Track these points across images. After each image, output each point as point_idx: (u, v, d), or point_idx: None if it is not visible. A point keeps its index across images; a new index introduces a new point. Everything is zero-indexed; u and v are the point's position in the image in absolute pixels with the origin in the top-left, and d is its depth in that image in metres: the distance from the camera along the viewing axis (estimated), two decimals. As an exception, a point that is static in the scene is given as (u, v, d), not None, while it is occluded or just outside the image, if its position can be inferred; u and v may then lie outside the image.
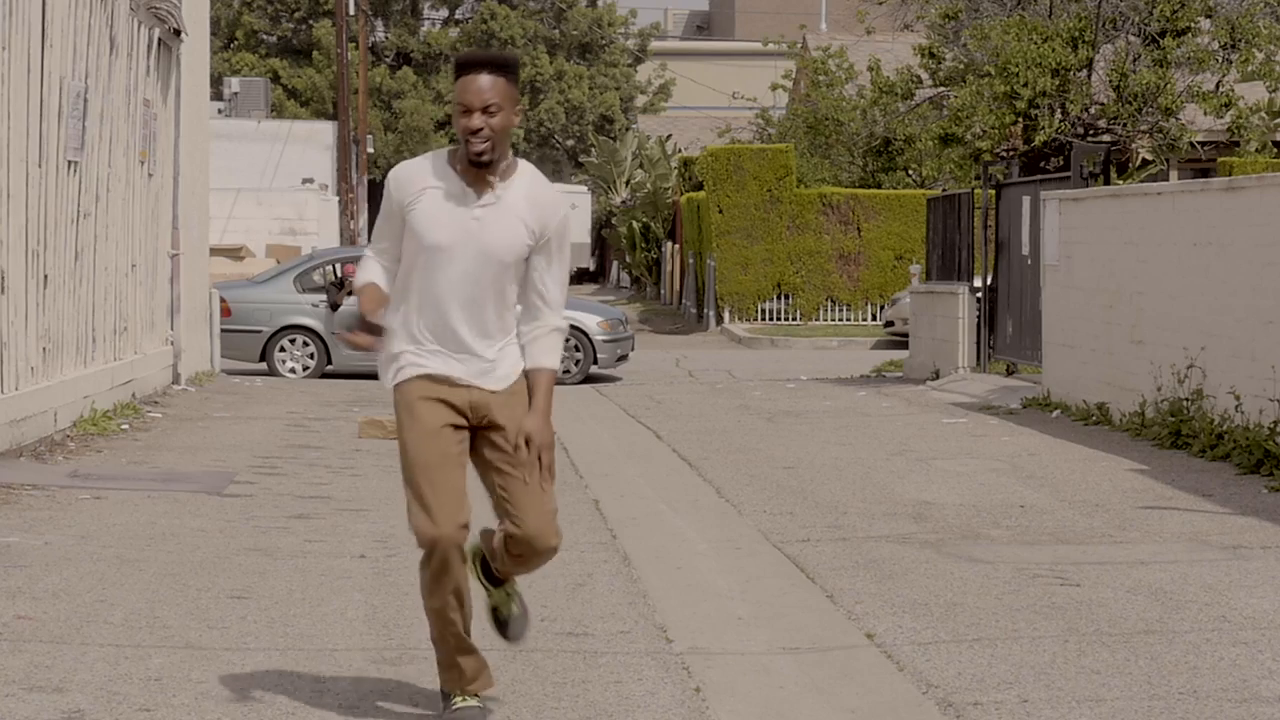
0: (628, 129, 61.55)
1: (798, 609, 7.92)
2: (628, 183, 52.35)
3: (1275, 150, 24.83)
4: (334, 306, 23.12)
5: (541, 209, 5.75)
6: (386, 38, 66.33)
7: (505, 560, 5.92)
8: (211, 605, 7.75)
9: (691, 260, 40.59)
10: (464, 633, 5.86)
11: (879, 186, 37.22)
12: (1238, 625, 7.46)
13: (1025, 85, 20.45)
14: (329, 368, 23.20)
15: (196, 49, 20.61)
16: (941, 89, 24.07)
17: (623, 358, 24.01)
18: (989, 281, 21.01)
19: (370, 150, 48.55)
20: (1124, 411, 15.33)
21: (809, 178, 38.50)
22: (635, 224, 48.86)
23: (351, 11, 43.60)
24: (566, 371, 22.92)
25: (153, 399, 17.34)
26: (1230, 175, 21.74)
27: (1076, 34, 20.77)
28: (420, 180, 5.73)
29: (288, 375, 22.90)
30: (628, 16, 68.78)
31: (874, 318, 35.93)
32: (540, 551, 5.82)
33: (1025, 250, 19.89)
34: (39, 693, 6.22)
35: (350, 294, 23.17)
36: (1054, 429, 15.42)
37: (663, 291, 47.28)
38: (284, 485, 11.72)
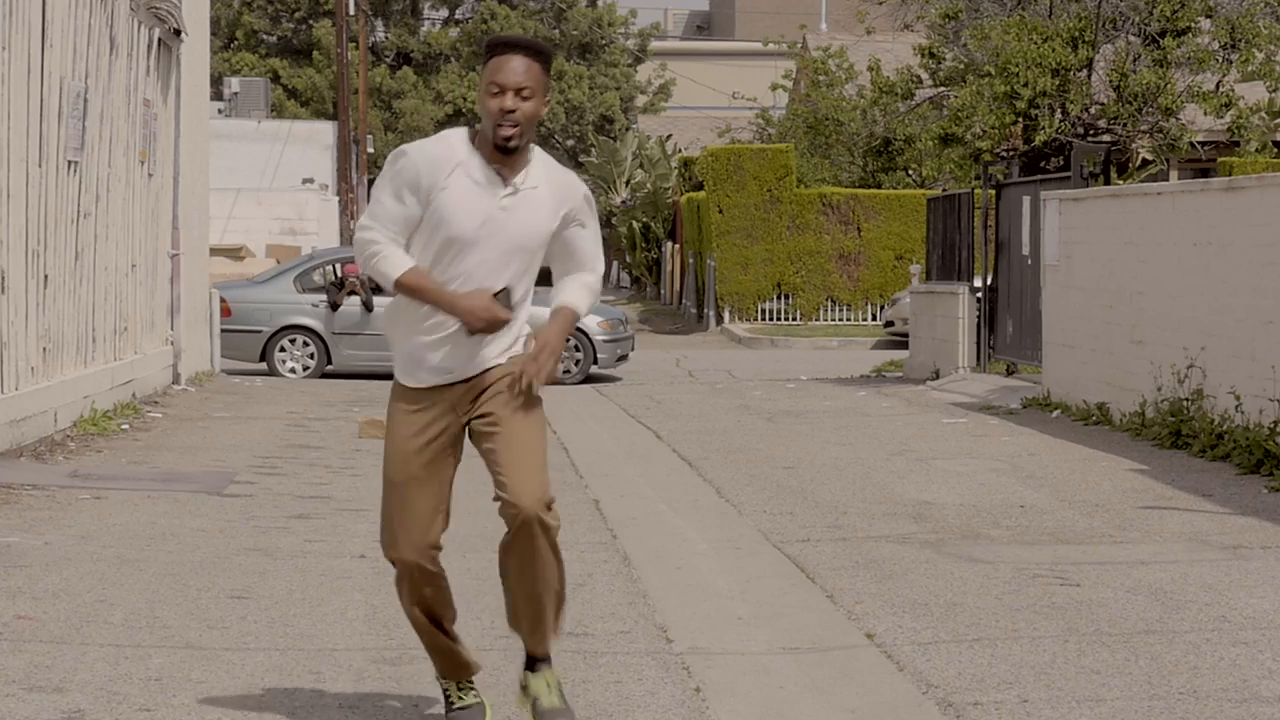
0: (628, 129, 61.55)
1: (798, 609, 7.92)
2: (628, 183, 52.34)
3: (1275, 150, 24.83)
4: (334, 306, 23.13)
5: (564, 190, 5.60)
6: (386, 38, 66.34)
7: (505, 564, 5.61)
8: (211, 605, 7.75)
9: (691, 260, 40.60)
10: (442, 633, 5.78)
11: (879, 186, 37.24)
12: (1238, 625, 7.46)
13: (1025, 85, 20.45)
14: (329, 368, 23.21)
15: (196, 49, 20.62)
16: (941, 89, 24.07)
17: (623, 358, 24.01)
18: (989, 281, 21.01)
19: (370, 150, 48.54)
20: (1124, 411, 15.33)
21: (809, 178, 38.51)
22: (635, 224, 48.87)
23: (351, 11, 43.61)
24: (566, 372, 22.93)
25: (153, 399, 17.34)
26: (1230, 175, 21.75)
27: (1077, 34, 20.77)
28: (449, 163, 5.47)
29: (288, 375, 22.90)
30: (628, 16, 68.78)
31: (874, 318, 35.94)
32: (529, 519, 5.43)
33: (1025, 250, 19.89)
34: (39, 693, 6.22)
35: (351, 294, 23.18)
36: (1054, 429, 15.42)
37: (663, 291, 47.29)
38: (284, 485, 11.72)
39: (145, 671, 6.55)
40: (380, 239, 5.51)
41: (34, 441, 13.10)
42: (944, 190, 24.87)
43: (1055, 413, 16.62)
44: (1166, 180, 24.78)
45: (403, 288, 5.50)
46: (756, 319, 36.32)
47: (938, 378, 21.16)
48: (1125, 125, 21.02)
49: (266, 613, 7.61)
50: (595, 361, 23.36)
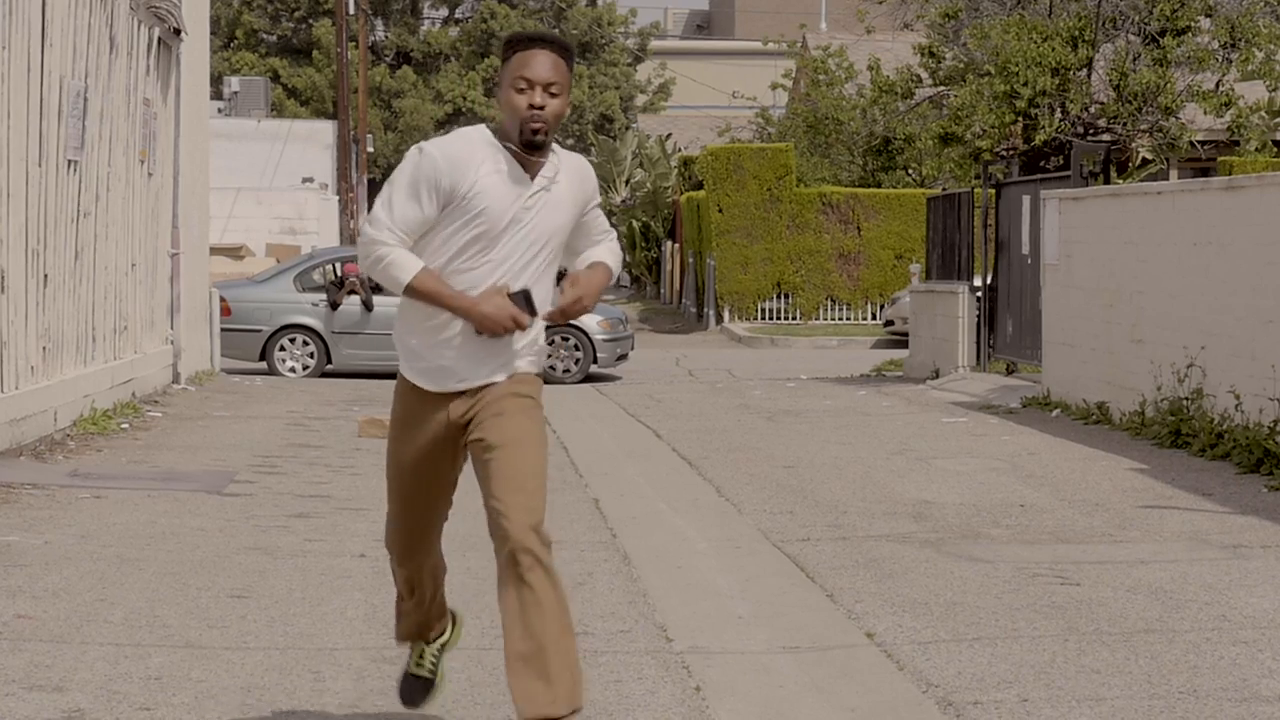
0: (627, 128, 61.57)
1: (798, 608, 7.92)
2: (627, 182, 52.33)
3: (1275, 149, 24.83)
4: (334, 306, 23.13)
5: (583, 183, 5.47)
6: (386, 37, 66.33)
7: (500, 583, 5.21)
8: (211, 604, 7.75)
9: (691, 259, 40.59)
10: (426, 602, 5.73)
11: (879, 186, 37.24)
12: (1238, 624, 7.46)
13: (1025, 84, 20.45)
14: (329, 367, 23.21)
15: (196, 48, 20.62)
16: (941, 88, 24.08)
17: (622, 357, 24.00)
18: (989, 281, 21.01)
19: (370, 149, 48.56)
20: (1124, 411, 15.33)
21: (809, 177, 38.51)
22: (635, 223, 48.86)
23: (351, 11, 43.61)
24: (566, 370, 22.94)
25: (153, 398, 17.34)
26: (1230, 174, 21.76)
27: (1076, 33, 20.77)
28: (477, 162, 5.27)
29: (288, 374, 22.90)
30: (628, 16, 68.76)
31: (874, 317, 35.94)
32: (517, 548, 5.08)
33: (1025, 249, 19.89)
34: (39, 691, 6.22)
35: (351, 293, 23.19)
36: (1054, 428, 15.42)
37: (662, 291, 47.28)
38: (284, 484, 11.72)
39: (145, 670, 6.55)
40: (389, 241, 5.26)
41: (34, 441, 13.10)
42: (944, 189, 24.87)
43: (1055, 412, 16.62)
44: (1166, 179, 24.79)
45: (415, 293, 5.25)
46: (756, 318, 36.32)
47: (937, 377, 21.16)
48: (1125, 124, 21.03)
49: (266, 612, 7.61)
50: (595, 360, 23.36)
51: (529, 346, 5.41)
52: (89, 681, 6.38)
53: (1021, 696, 6.30)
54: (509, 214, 5.28)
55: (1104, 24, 21.16)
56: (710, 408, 17.92)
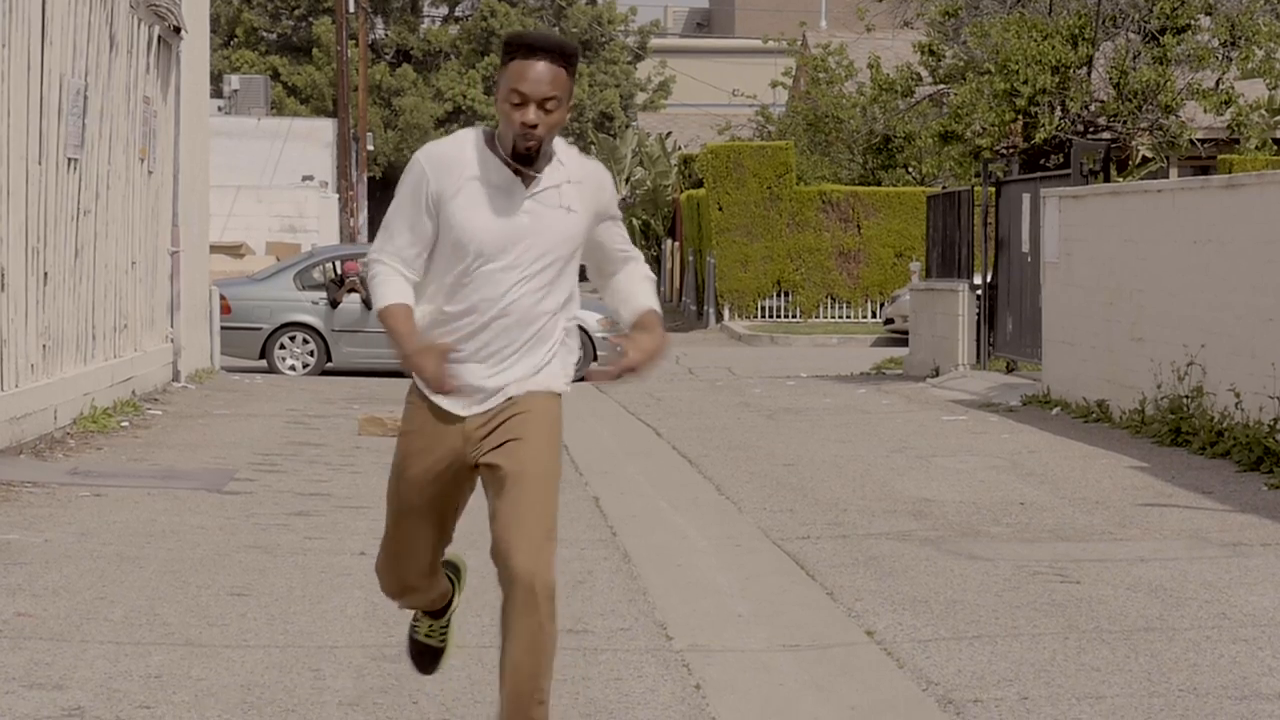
0: (627, 126, 61.60)
1: (798, 606, 7.92)
2: (627, 180, 52.35)
3: (1275, 148, 24.83)
4: (334, 304, 23.13)
5: (594, 185, 5.11)
6: (386, 35, 66.34)
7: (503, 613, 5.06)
8: (212, 602, 7.75)
9: (691, 258, 40.60)
10: (434, 604, 5.50)
11: (879, 184, 37.24)
12: (1238, 622, 7.46)
13: (1025, 83, 20.45)
14: (329, 365, 23.20)
15: (196, 46, 20.61)
16: (941, 86, 24.08)
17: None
18: (989, 279, 21.01)
19: (370, 147, 48.57)
20: (1124, 409, 15.33)
21: (809, 175, 38.51)
22: (635, 221, 48.88)
23: (351, 9, 43.60)
24: (566, 369, 22.94)
25: (153, 396, 17.34)
26: (1230, 173, 21.75)
27: (1076, 31, 20.77)
28: (462, 167, 4.99)
29: (288, 373, 22.90)
30: (628, 14, 68.79)
31: (874, 315, 35.94)
32: (521, 583, 4.93)
33: (1025, 248, 19.89)
34: (39, 690, 6.22)
35: (351, 291, 23.18)
36: (1054, 426, 15.42)
37: (663, 289, 47.30)
38: (284, 482, 11.72)
39: (145, 668, 6.55)
40: (385, 260, 5.05)
41: (34, 439, 13.10)
42: (944, 188, 24.88)
43: (1055, 410, 16.62)
44: (1166, 178, 24.78)
45: (382, 321, 5.02)
46: (756, 316, 36.33)
47: (938, 375, 21.16)
48: (1125, 123, 21.03)
49: (266, 610, 7.61)
50: (595, 358, 23.37)
51: (550, 363, 5.17)
52: (89, 679, 6.38)
53: (1021, 694, 6.30)
54: (500, 225, 4.98)
55: (1104, 22, 21.17)
56: (710, 406, 17.92)
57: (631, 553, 9.19)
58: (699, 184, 39.93)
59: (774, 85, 41.31)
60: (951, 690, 6.38)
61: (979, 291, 21.03)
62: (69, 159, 14.38)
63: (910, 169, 35.85)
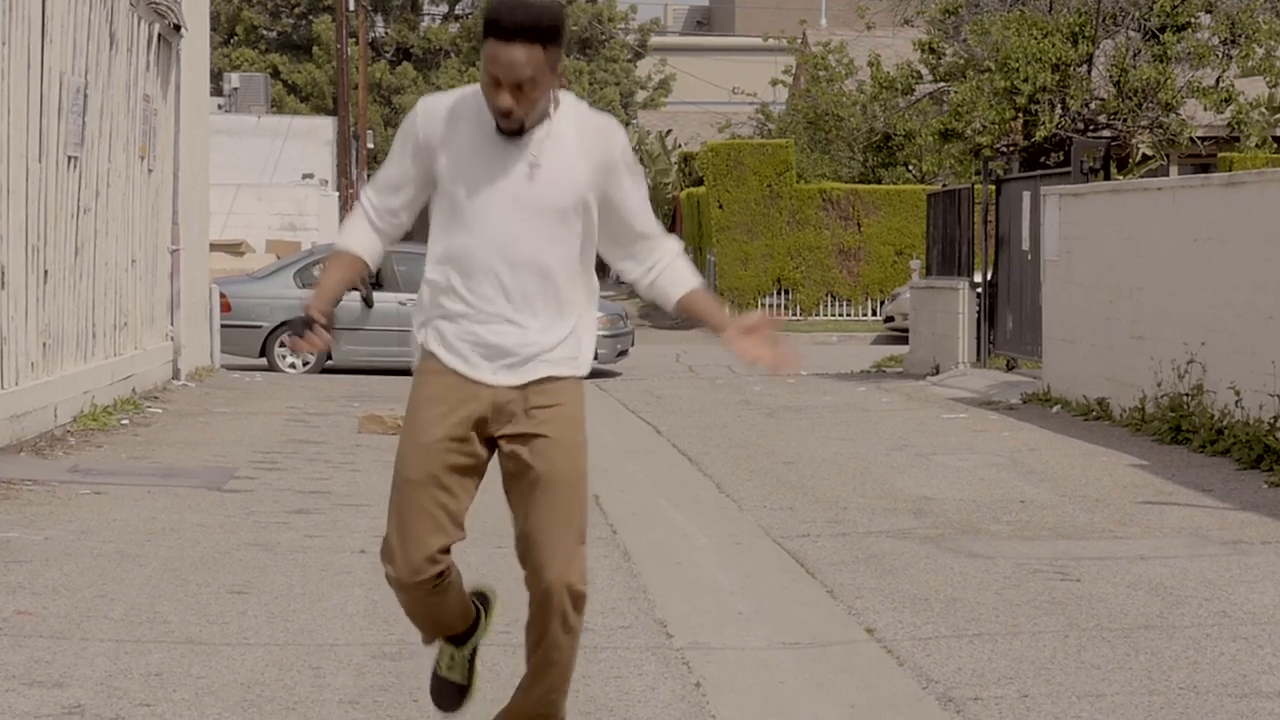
0: (627, 124, 61.55)
1: (798, 604, 7.92)
2: (627, 178, 52.31)
3: (1275, 145, 24.84)
4: (334, 302, 23.12)
5: (596, 135, 4.89)
6: (386, 33, 66.33)
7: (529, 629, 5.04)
8: (212, 600, 7.75)
9: (692, 255, 40.63)
10: (454, 623, 5.26)
11: (879, 182, 37.25)
12: (1238, 620, 7.46)
13: (1025, 80, 20.46)
14: (329, 363, 23.20)
15: (196, 44, 20.61)
16: (942, 84, 24.09)
17: (623, 353, 23.99)
18: (989, 277, 21.02)
19: (370, 145, 48.54)
20: (1124, 407, 15.33)
21: (809, 173, 38.53)
22: (635, 220, 48.88)
23: (351, 7, 43.61)
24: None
25: (153, 394, 17.34)
26: (1230, 170, 21.76)
27: (1077, 29, 20.78)
28: (455, 116, 4.87)
29: (288, 370, 22.90)
30: (628, 12, 68.75)
31: (874, 313, 35.96)
32: (555, 607, 4.90)
33: (1025, 246, 19.89)
34: (39, 688, 6.22)
35: (351, 289, 23.18)
36: (1054, 424, 15.42)
37: (663, 287, 47.27)
38: (284, 480, 11.72)
39: (145, 666, 6.55)
40: (362, 203, 5.07)
41: (34, 437, 13.10)
42: (944, 186, 24.88)
43: (1055, 408, 16.62)
44: (1166, 176, 24.78)
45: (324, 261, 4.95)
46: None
47: (938, 373, 21.17)
48: (1125, 120, 21.04)
49: (266, 608, 7.61)
50: (595, 357, 23.32)
51: (571, 339, 4.98)
52: (89, 677, 6.37)
53: (1022, 692, 6.30)
54: (494, 180, 4.83)
55: (1104, 20, 21.18)
56: (710, 404, 17.92)
57: (632, 550, 9.19)
58: (699, 182, 39.96)
59: (774, 83, 41.29)
60: (951, 688, 6.38)
61: (979, 289, 21.04)
62: (69, 157, 14.38)
63: (910, 167, 35.86)
